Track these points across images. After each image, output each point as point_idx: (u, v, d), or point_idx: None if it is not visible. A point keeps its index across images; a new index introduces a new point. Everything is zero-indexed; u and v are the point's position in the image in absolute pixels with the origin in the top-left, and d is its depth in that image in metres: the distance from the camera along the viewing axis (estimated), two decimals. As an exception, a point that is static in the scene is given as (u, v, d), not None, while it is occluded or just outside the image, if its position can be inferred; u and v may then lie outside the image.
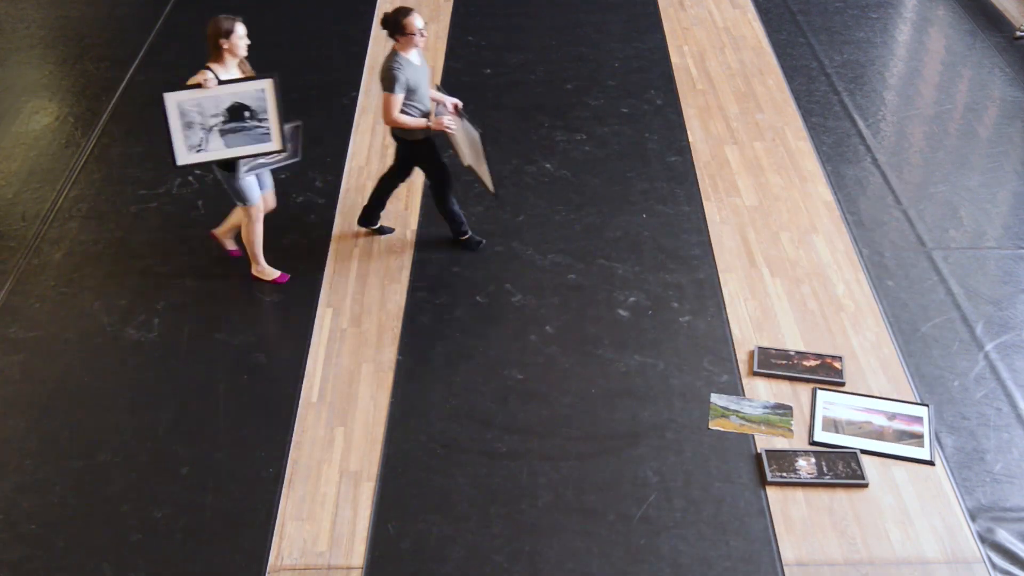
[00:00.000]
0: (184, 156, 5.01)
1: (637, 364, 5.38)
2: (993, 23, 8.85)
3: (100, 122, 7.41)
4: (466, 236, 6.14)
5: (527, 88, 7.86)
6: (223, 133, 4.96)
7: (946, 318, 5.69)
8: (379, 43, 8.43)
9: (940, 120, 7.54)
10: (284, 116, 5.23)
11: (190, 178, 6.79)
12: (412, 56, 5.56)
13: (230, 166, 5.26)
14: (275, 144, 5.01)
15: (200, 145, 4.94)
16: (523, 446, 4.93)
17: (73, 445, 4.91)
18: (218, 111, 5.05)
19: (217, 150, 4.94)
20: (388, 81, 5.48)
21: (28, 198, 6.59)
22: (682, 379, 5.29)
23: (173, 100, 5.04)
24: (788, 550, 4.44)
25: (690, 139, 7.21)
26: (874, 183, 6.80)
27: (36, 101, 7.71)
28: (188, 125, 5.01)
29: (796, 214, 6.46)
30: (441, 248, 6.16)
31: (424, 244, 6.21)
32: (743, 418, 5.05)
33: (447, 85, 7.84)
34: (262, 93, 5.11)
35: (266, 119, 5.03)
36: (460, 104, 5.85)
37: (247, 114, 5.02)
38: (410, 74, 5.50)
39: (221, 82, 5.04)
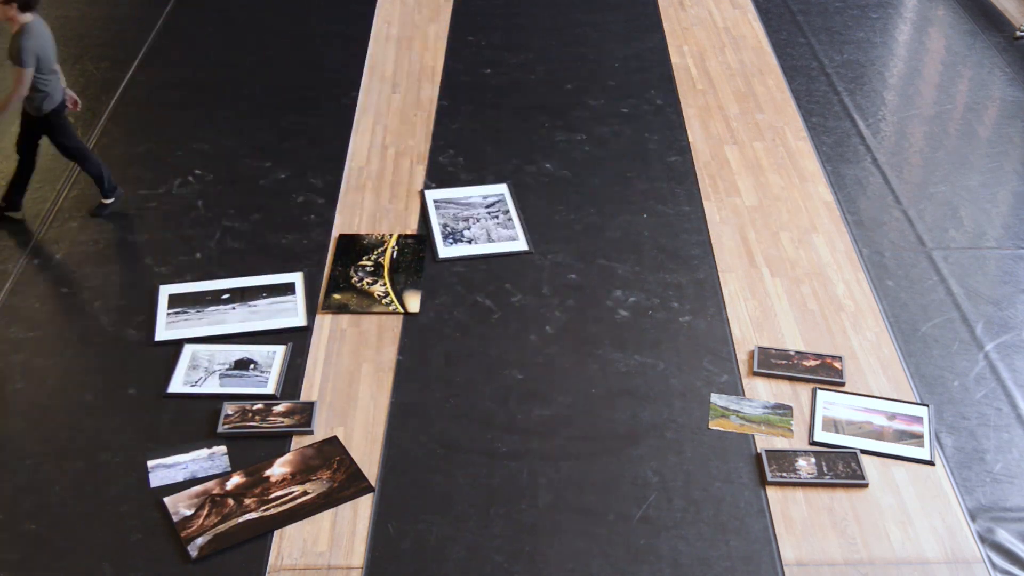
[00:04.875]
0: (178, 388, 5.20)
1: (637, 364, 5.38)
2: (993, 23, 8.85)
3: (100, 122, 7.41)
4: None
5: (527, 88, 7.86)
6: (222, 376, 5.24)
7: (946, 318, 5.70)
8: (379, 43, 8.44)
9: (940, 120, 7.54)
10: None
11: (190, 178, 6.79)
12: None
13: None
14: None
15: (197, 383, 5.20)
16: (523, 446, 4.93)
17: (73, 445, 4.91)
18: (226, 361, 5.32)
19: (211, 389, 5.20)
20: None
21: (28, 198, 6.58)
22: (682, 379, 5.29)
23: (189, 348, 5.38)
24: (788, 550, 4.44)
25: (690, 139, 7.21)
26: (874, 183, 6.80)
27: (36, 101, 7.71)
28: (194, 367, 5.28)
29: (796, 214, 6.46)
30: (441, 248, 6.17)
31: (424, 243, 6.20)
32: (743, 418, 5.05)
33: (447, 85, 7.85)
34: (273, 354, 5.35)
35: (268, 371, 5.26)
36: None
37: (252, 367, 5.29)
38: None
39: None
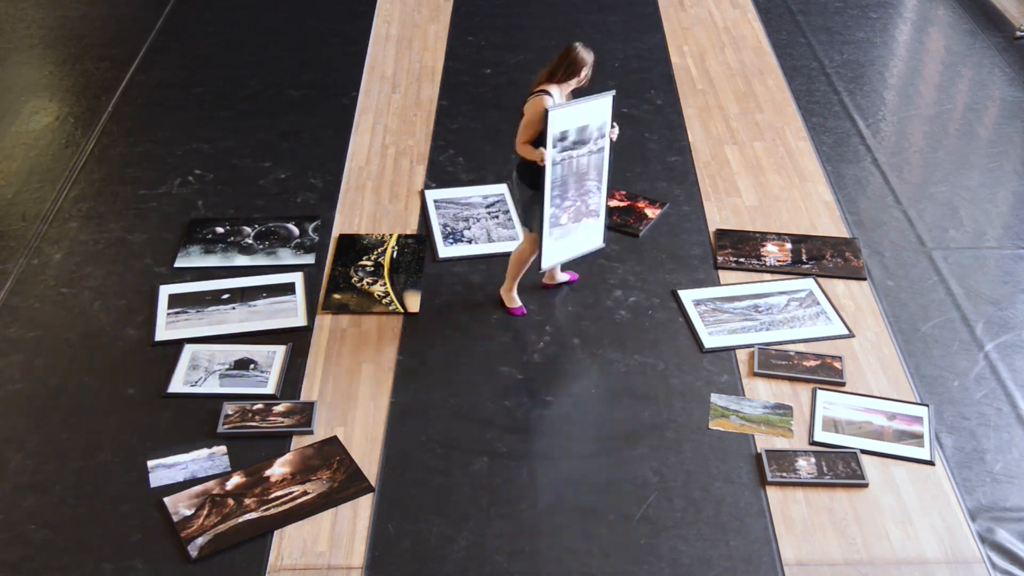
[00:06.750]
0: (178, 388, 5.18)
1: (637, 364, 5.38)
2: (993, 23, 8.85)
3: (100, 122, 7.41)
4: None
5: (527, 88, 7.84)
6: (222, 376, 5.23)
7: (946, 318, 5.69)
8: (379, 43, 8.44)
9: (940, 120, 7.54)
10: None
11: (190, 178, 6.79)
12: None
13: (535, 184, 5.20)
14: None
15: (197, 383, 5.18)
16: (523, 446, 4.93)
17: (73, 445, 4.91)
18: (226, 361, 5.31)
19: (210, 389, 5.17)
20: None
21: (28, 198, 6.59)
22: (682, 379, 5.28)
23: (189, 348, 5.37)
24: (788, 550, 4.44)
25: (690, 139, 7.21)
26: (874, 183, 6.80)
27: (36, 101, 7.71)
28: (194, 367, 5.27)
29: (796, 214, 6.46)
30: (441, 248, 6.16)
31: (424, 243, 6.21)
32: (743, 418, 5.05)
33: (447, 85, 7.85)
34: (273, 354, 5.33)
35: (268, 371, 5.24)
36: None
37: (252, 367, 5.28)
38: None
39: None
